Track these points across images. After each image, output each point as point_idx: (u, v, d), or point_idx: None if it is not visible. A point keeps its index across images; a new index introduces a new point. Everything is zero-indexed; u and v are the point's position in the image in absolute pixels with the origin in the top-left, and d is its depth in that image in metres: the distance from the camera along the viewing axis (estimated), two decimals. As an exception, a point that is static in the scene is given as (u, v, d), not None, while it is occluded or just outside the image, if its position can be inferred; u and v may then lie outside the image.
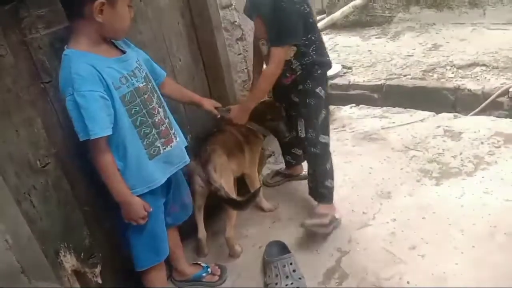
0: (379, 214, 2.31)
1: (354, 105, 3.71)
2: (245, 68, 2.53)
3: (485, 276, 1.82)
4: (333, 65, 4.39)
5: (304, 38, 2.02)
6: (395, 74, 4.06)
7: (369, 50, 4.74)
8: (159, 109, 1.61)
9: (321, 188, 2.25)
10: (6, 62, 1.43)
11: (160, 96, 1.67)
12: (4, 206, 1.40)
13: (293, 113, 2.30)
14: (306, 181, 2.40)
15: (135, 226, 1.63)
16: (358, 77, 4.19)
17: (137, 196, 1.58)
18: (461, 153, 2.72)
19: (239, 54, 2.45)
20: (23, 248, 1.46)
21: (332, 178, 2.27)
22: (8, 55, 1.44)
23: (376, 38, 5.07)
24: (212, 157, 1.99)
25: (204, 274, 2.04)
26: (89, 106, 1.38)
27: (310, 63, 2.09)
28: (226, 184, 1.99)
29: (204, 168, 1.97)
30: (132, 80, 1.51)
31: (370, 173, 2.67)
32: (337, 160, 2.85)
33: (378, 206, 2.37)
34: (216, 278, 2.05)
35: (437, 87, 3.61)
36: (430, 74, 3.90)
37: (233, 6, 2.33)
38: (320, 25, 5.41)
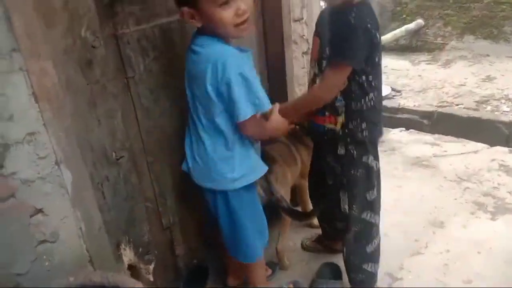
0: (431, 243, 2.25)
1: (403, 129, 3.66)
2: (307, 81, 2.53)
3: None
4: (383, 86, 4.39)
5: (363, 70, 1.59)
6: (446, 102, 3.98)
7: (419, 75, 4.68)
8: None
9: (356, 272, 1.89)
10: (97, 54, 1.48)
11: None
12: (83, 194, 1.44)
13: (330, 182, 1.85)
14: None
15: (242, 215, 1.66)
16: (408, 101, 4.13)
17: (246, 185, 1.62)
18: (518, 190, 2.64)
19: (303, 67, 2.46)
20: (93, 237, 1.49)
21: (374, 262, 1.90)
22: (100, 47, 1.48)
23: (426, 64, 5.00)
24: (273, 167, 1.99)
25: None
26: (255, 83, 1.44)
27: (358, 111, 1.64)
28: (286, 195, 1.98)
29: (265, 177, 1.97)
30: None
31: (421, 200, 2.62)
32: (387, 184, 2.81)
33: (430, 234, 2.31)
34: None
35: (491, 119, 3.52)
36: (484, 105, 3.81)
37: (304, 20, 2.34)
38: (369, 46, 5.39)
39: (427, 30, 5.26)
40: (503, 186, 2.69)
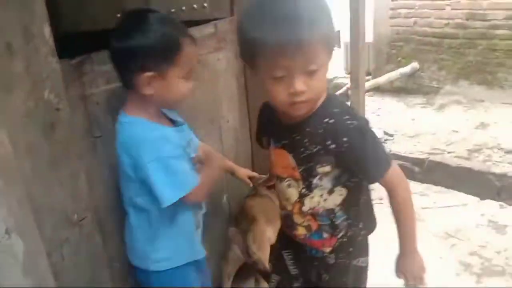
0: (413, 308, 2.16)
1: (393, 176, 3.60)
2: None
3: None
4: (376, 130, 4.36)
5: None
6: (439, 149, 3.93)
7: (413, 119, 4.66)
8: None
9: None
10: (61, 116, 1.45)
11: None
12: (35, 260, 1.38)
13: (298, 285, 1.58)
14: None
15: None
16: (399, 147, 4.08)
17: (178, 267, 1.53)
18: (505, 250, 2.56)
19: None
20: (46, 305, 1.42)
21: None
22: (65, 109, 1.46)
23: (422, 107, 4.99)
24: (251, 227, 1.94)
25: None
26: (179, 165, 1.37)
27: (356, 214, 1.44)
28: (263, 256, 1.91)
29: (243, 238, 1.91)
30: (189, 149, 1.49)
31: (406, 257, 2.53)
32: (371, 237, 2.74)
33: (412, 298, 2.22)
34: None
35: (482, 170, 3.45)
36: (476, 154, 3.76)
37: (286, 72, 2.34)
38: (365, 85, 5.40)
39: (422, 73, 5.27)
40: (491, 244, 2.61)
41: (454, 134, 4.19)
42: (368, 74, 5.77)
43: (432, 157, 3.78)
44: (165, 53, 1.32)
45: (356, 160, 1.24)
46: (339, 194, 1.35)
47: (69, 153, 1.49)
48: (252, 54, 1.13)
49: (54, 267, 1.50)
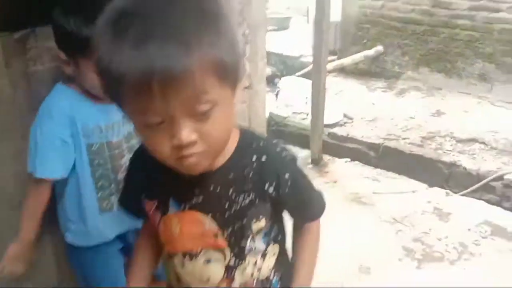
0: (355, 291, 2.26)
1: (349, 159, 3.69)
2: (247, 116, 2.49)
3: None
4: (336, 112, 4.42)
5: None
6: (394, 135, 4.04)
7: (373, 103, 4.73)
8: None
9: None
10: (4, 94, 1.38)
11: None
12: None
13: None
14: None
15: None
16: (357, 131, 4.16)
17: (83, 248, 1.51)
18: (446, 237, 2.70)
19: (244, 102, 2.41)
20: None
21: None
22: (6, 86, 1.39)
23: (382, 91, 5.07)
24: None
25: None
26: (44, 145, 1.33)
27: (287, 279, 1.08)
28: None
29: None
30: (107, 132, 1.42)
31: (353, 242, 2.63)
32: (322, 220, 2.82)
33: (356, 282, 2.32)
34: None
35: (433, 158, 3.58)
36: (429, 142, 3.89)
37: (246, 56, 2.30)
38: (329, 66, 5.42)
39: (385, 58, 5.34)
40: (434, 231, 2.74)
41: (410, 120, 4.31)
42: (334, 53, 5.80)
43: (387, 143, 3.89)
44: (78, 45, 1.24)
45: (300, 197, 1.01)
46: (273, 254, 1.03)
47: (11, 132, 1.43)
48: (114, 91, 0.77)
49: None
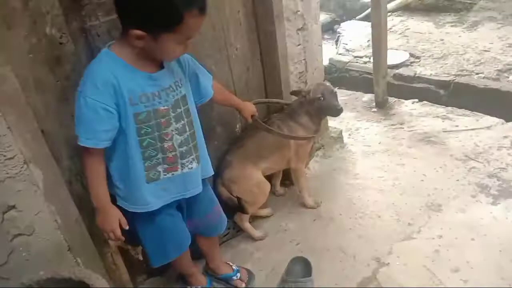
0: (425, 228, 2.21)
1: (416, 100, 3.52)
2: (303, 59, 2.45)
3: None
4: (401, 52, 4.20)
5: None
6: (466, 70, 3.77)
7: (442, 40, 4.43)
8: (177, 135, 1.50)
9: None
10: (66, 50, 1.48)
11: (189, 123, 1.55)
12: (55, 188, 1.48)
13: None
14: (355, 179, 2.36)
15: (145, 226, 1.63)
16: (426, 69, 3.94)
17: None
18: (526, 171, 2.52)
19: (298, 44, 2.37)
20: (71, 228, 1.55)
21: None
22: (69, 43, 1.48)
23: (451, 26, 4.71)
24: (225, 172, 2.16)
25: (234, 277, 2.01)
26: (88, 114, 1.33)
27: None
28: (243, 192, 2.14)
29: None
30: (154, 100, 1.41)
31: (422, 180, 2.55)
32: (389, 161, 2.76)
33: (425, 218, 2.26)
34: (243, 285, 2.01)
35: (510, 91, 3.32)
36: (506, 74, 3.59)
37: (298, -6, 2.24)
38: (392, 5, 5.11)
39: (454, -12, 4.92)
40: (511, 167, 2.57)
41: (484, 53, 3.98)
42: (398, -9, 5.44)
43: (458, 79, 3.65)
44: (163, 22, 1.26)
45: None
46: None
47: (77, 86, 1.53)
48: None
49: (75, 196, 1.62)
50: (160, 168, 1.50)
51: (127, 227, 1.51)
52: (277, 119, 2.25)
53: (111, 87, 1.33)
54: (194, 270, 1.96)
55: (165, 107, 1.44)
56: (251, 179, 2.19)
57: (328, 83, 2.35)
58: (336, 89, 2.31)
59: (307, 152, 2.38)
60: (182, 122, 1.51)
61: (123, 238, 1.52)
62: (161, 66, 1.44)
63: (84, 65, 1.52)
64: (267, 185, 2.26)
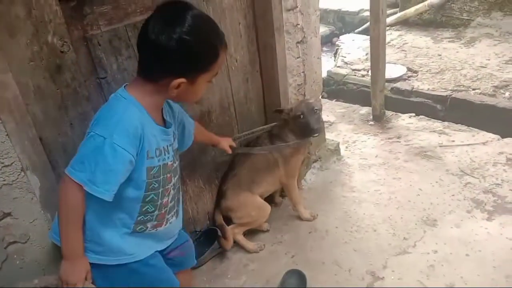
0: (420, 243, 2.21)
1: (413, 114, 3.54)
2: (302, 72, 2.47)
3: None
4: (398, 67, 4.23)
5: None
6: (463, 85, 3.80)
7: (439, 55, 4.47)
8: (172, 190, 1.44)
9: None
10: (67, 59, 1.48)
11: (179, 177, 1.50)
12: (52, 196, 1.48)
13: None
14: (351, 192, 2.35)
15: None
16: (423, 84, 3.97)
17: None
18: (521, 188, 2.53)
19: (298, 57, 2.39)
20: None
21: None
22: (70, 52, 1.49)
23: (449, 41, 4.76)
24: (221, 202, 2.26)
25: None
26: (114, 164, 1.20)
27: None
28: (244, 221, 2.25)
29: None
30: (164, 155, 1.35)
31: (418, 194, 2.56)
32: (386, 174, 2.77)
33: (421, 233, 2.27)
34: None
35: (506, 108, 3.35)
36: (502, 91, 3.62)
37: (298, 8, 2.26)
38: (391, 20, 5.16)
39: (452, 5, 4.98)
40: (507, 183, 2.58)
41: (481, 69, 4.02)
42: (396, 5, 5.51)
43: (455, 94, 3.68)
44: (204, 62, 1.25)
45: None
46: None
47: (77, 95, 1.54)
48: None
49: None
50: (149, 224, 1.40)
51: (90, 284, 1.32)
52: (264, 138, 2.29)
53: (138, 138, 1.24)
54: None
55: (171, 162, 1.39)
56: (246, 206, 2.25)
57: (311, 100, 2.29)
58: (319, 107, 2.23)
59: (297, 167, 2.37)
60: (177, 176, 1.46)
61: None
62: (163, 119, 1.39)
63: (84, 74, 1.55)
64: (266, 207, 2.30)
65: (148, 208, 1.36)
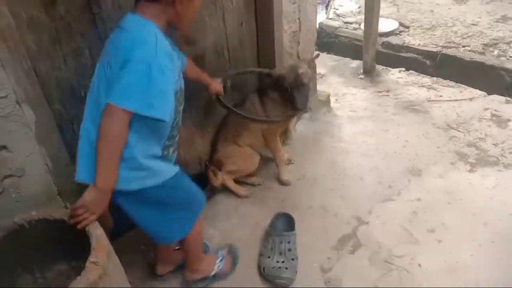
0: (405, 191, 2.29)
1: (403, 69, 3.56)
2: (298, 19, 2.43)
3: (496, 275, 1.82)
4: (390, 21, 4.20)
5: None
6: (453, 42, 3.81)
7: (432, 11, 4.44)
8: (180, 115, 1.49)
9: None
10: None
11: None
12: (47, 131, 1.47)
13: None
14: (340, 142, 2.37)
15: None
16: (414, 39, 3.96)
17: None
18: (503, 142, 2.61)
19: (294, 3, 2.34)
20: (60, 172, 1.55)
21: None
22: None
23: (443, -3, 4.72)
24: (213, 157, 2.29)
25: (219, 266, 1.88)
26: (164, 84, 1.23)
27: None
28: (231, 169, 2.27)
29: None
30: (180, 78, 1.41)
31: (405, 146, 2.62)
32: (374, 126, 2.82)
33: (405, 182, 2.34)
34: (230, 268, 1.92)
35: (494, 65, 3.39)
36: (491, 49, 3.65)
37: (295, -49, 2.20)
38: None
39: (448, -40, 4.88)
40: (490, 137, 2.66)
41: (472, 27, 4.02)
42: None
43: (445, 51, 3.69)
44: None
45: None
46: None
47: (71, 29, 1.50)
48: None
49: (67, 141, 1.61)
50: (171, 149, 1.47)
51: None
52: (253, 98, 2.26)
53: (173, 60, 1.29)
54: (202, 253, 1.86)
55: (183, 86, 1.43)
56: (234, 155, 2.27)
57: (302, 70, 2.09)
58: (308, 79, 2.09)
59: (278, 127, 2.33)
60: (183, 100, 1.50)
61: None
62: None
63: (78, 8, 1.50)
64: (253, 157, 2.32)
65: (174, 132, 1.43)
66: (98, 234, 1.25)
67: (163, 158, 1.42)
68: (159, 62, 1.21)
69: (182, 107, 1.46)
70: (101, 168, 1.24)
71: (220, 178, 2.25)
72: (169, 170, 1.42)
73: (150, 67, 1.19)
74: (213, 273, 1.84)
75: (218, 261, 1.87)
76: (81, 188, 1.67)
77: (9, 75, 1.30)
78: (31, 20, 1.38)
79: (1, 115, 1.34)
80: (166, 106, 1.25)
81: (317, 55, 2.46)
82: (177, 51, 1.44)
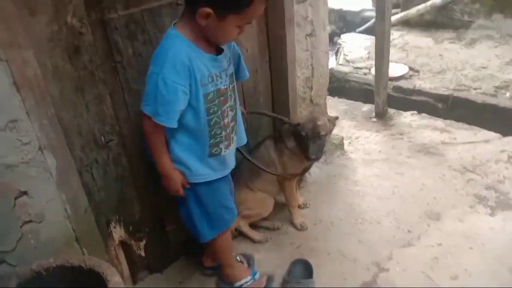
0: (424, 236, 2.24)
1: (415, 112, 3.57)
2: (310, 65, 2.49)
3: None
4: (400, 65, 4.27)
5: None
6: (464, 85, 3.84)
7: (440, 55, 4.51)
8: (230, 112, 1.62)
9: None
10: (85, 40, 1.49)
11: (237, 98, 1.69)
12: (68, 177, 1.49)
13: None
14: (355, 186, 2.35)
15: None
16: (425, 83, 4.01)
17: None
18: (523, 185, 2.57)
19: (306, 50, 2.41)
20: (79, 218, 1.55)
21: None
22: (88, 34, 1.50)
23: (450, 42, 4.80)
24: None
25: (248, 283, 1.97)
26: (167, 95, 1.40)
27: None
28: (245, 214, 2.25)
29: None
30: (217, 81, 1.52)
31: (421, 189, 2.59)
32: (389, 169, 2.80)
33: (425, 226, 2.29)
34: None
35: (507, 107, 3.39)
36: (503, 91, 3.67)
37: (308, 1, 2.28)
38: (392, 20, 5.18)
39: (453, 6, 5.02)
40: (508, 180, 2.62)
41: (482, 70, 4.06)
42: (397, 6, 5.54)
43: (456, 93, 3.71)
44: (234, 2, 1.36)
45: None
46: None
47: (94, 77, 1.55)
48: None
49: (86, 186, 1.62)
50: (222, 146, 1.63)
51: (188, 186, 1.64)
52: (268, 145, 2.26)
53: (187, 70, 1.42)
54: (234, 261, 2.01)
55: (225, 87, 1.56)
56: (246, 201, 2.22)
57: (320, 122, 2.09)
58: (326, 131, 2.11)
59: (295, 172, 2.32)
60: (233, 97, 1.64)
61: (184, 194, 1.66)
62: (217, 48, 1.54)
63: (100, 56, 1.55)
64: (268, 201, 2.30)
65: (216, 130, 1.58)
66: (115, 281, 1.23)
67: (212, 157, 1.62)
68: (164, 74, 1.39)
69: (224, 105, 1.58)
70: (155, 159, 1.57)
71: (235, 223, 2.22)
72: (211, 171, 1.65)
73: (158, 78, 1.39)
74: (239, 284, 1.94)
75: (249, 277, 1.97)
76: (102, 235, 1.70)
77: (33, 123, 1.33)
78: (56, 69, 1.43)
79: (23, 161, 1.36)
80: (169, 114, 1.44)
81: (337, 117, 2.31)
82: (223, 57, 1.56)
